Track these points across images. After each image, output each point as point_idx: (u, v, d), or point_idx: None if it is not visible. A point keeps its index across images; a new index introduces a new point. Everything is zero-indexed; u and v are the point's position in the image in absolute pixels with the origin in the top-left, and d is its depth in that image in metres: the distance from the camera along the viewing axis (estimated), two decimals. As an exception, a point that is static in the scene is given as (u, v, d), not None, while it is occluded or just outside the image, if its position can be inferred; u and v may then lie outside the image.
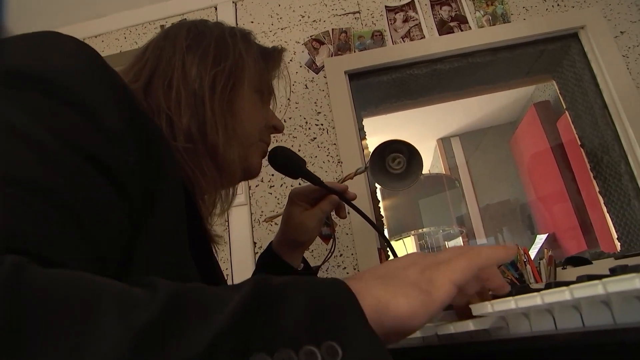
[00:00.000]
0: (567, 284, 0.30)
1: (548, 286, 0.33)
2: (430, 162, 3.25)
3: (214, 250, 0.71)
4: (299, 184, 1.50)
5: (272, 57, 0.73)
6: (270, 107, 0.76)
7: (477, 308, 0.36)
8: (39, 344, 0.19)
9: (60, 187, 0.30)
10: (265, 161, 0.78)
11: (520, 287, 0.44)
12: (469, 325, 0.34)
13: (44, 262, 0.25)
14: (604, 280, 0.27)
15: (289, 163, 0.82)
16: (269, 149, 0.78)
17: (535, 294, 0.30)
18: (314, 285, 0.29)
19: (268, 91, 0.72)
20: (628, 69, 1.50)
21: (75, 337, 0.20)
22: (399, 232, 2.47)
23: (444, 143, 3.11)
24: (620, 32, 1.56)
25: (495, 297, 0.40)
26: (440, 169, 3.10)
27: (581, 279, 0.31)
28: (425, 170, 1.14)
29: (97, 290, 0.23)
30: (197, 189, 0.59)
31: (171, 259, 0.41)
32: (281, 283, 0.28)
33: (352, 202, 0.83)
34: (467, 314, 0.41)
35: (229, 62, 0.62)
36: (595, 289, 0.27)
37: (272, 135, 0.78)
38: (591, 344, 0.27)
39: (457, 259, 0.35)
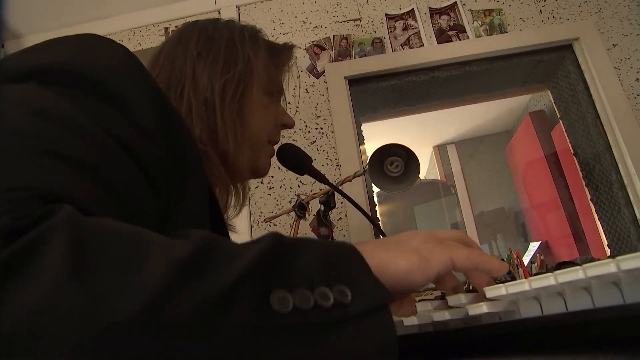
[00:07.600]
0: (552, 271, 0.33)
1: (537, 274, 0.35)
2: (426, 168, 3.29)
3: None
4: (300, 182, 1.53)
5: (281, 55, 0.73)
6: (281, 104, 0.76)
7: (491, 291, 0.37)
8: (100, 269, 0.23)
9: (101, 166, 0.33)
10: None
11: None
12: (483, 308, 0.36)
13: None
14: (584, 265, 0.30)
15: (297, 160, 0.86)
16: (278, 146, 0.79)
17: (549, 274, 0.33)
18: (323, 243, 0.33)
19: (277, 90, 0.72)
20: (620, 80, 1.54)
21: (128, 265, 0.24)
22: (395, 237, 2.50)
23: (440, 150, 3.15)
24: (613, 44, 1.60)
25: (470, 291, 0.42)
26: (436, 175, 3.13)
27: (562, 266, 0.34)
28: (421, 177, 1.18)
29: (142, 233, 0.27)
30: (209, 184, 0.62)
31: None
32: (295, 239, 0.32)
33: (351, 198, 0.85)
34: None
35: (238, 68, 0.63)
36: (576, 274, 0.30)
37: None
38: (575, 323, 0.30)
39: (461, 247, 0.39)
